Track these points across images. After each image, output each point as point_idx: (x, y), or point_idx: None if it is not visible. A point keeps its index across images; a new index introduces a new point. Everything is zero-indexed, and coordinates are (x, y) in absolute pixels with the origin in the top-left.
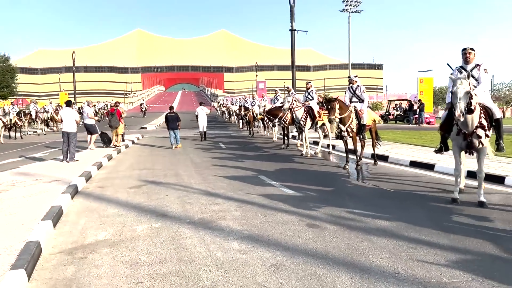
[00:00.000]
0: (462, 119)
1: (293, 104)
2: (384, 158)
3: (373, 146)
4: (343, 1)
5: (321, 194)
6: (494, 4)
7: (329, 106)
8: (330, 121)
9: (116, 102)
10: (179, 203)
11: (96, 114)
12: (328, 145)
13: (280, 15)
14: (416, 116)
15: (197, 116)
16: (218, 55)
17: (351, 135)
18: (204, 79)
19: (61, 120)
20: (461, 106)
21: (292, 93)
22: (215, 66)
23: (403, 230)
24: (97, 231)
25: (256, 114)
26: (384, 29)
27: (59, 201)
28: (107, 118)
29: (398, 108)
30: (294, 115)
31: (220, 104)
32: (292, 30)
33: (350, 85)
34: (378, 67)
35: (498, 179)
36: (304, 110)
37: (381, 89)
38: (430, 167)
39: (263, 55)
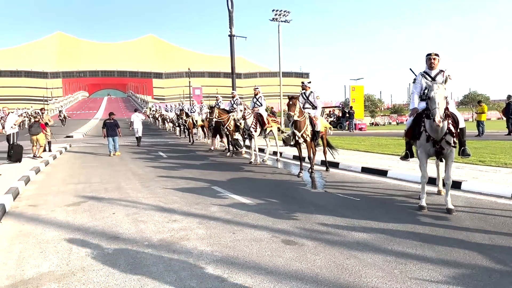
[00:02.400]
0: (441, 125)
1: (244, 111)
2: (335, 165)
3: (325, 153)
4: (272, 11)
5: (285, 204)
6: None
7: (290, 102)
8: (289, 116)
9: (41, 109)
10: (131, 221)
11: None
12: (275, 152)
13: (210, 21)
14: (348, 122)
15: (132, 122)
16: (146, 60)
17: (307, 141)
18: (132, 85)
19: None
20: (440, 111)
21: (236, 99)
22: (143, 72)
23: (384, 243)
24: (38, 261)
25: (196, 121)
26: (310, 39)
27: None
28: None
29: (332, 115)
30: (244, 123)
31: (153, 110)
32: (231, 36)
33: (303, 91)
34: (305, 75)
35: (455, 184)
36: (254, 117)
37: None
38: (382, 173)
39: (193, 61)
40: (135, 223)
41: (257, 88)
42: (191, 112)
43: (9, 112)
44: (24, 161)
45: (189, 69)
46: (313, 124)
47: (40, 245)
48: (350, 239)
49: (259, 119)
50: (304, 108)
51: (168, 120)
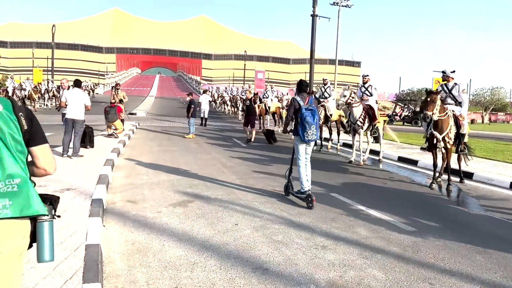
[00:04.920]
0: None
1: (351, 99)
2: (467, 175)
3: (459, 160)
4: None
5: (452, 233)
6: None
7: (428, 99)
8: (425, 117)
9: (116, 84)
10: (267, 242)
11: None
12: (379, 152)
13: (261, 3)
14: None
15: (200, 103)
16: (196, 40)
17: (449, 146)
18: (182, 65)
19: (65, 104)
20: None
21: (328, 87)
22: (193, 52)
23: None
24: None
25: (269, 107)
26: (362, 27)
27: (92, 235)
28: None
29: (406, 109)
30: (350, 113)
31: (210, 92)
32: (313, 16)
33: (444, 82)
34: (356, 64)
35: None
36: (363, 109)
37: (358, 85)
38: None
39: (242, 44)
40: (275, 246)
41: (367, 76)
42: (264, 98)
43: (69, 86)
44: (99, 140)
45: (245, 51)
46: (458, 125)
47: (169, 273)
48: None
49: (368, 111)
50: (445, 103)
51: (231, 103)
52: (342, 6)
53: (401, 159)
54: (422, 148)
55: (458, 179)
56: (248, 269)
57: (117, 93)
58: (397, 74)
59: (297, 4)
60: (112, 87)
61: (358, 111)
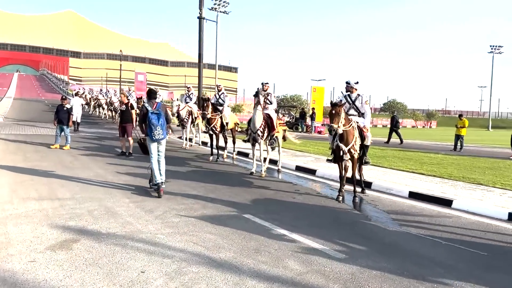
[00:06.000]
0: None
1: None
2: (366, 185)
3: (360, 169)
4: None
5: (381, 257)
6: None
7: (333, 111)
8: (331, 130)
9: None
10: None
11: None
12: (276, 162)
13: (133, 2)
14: (307, 124)
15: (71, 107)
16: (63, 37)
17: (354, 158)
18: (46, 63)
19: None
20: None
21: (222, 93)
22: (59, 49)
23: None
24: None
25: None
26: (239, 34)
27: None
28: None
29: (287, 115)
30: (251, 124)
31: (85, 95)
32: (200, 18)
33: (348, 93)
34: (233, 70)
35: None
36: (263, 119)
37: (235, 91)
38: (444, 202)
39: (114, 43)
40: None
41: (267, 83)
42: None
43: None
44: None
45: (121, 51)
46: (362, 137)
47: None
48: None
49: (268, 121)
50: (348, 115)
51: (107, 107)
52: (220, 12)
53: (298, 168)
54: (328, 160)
55: (359, 189)
56: None
57: None
58: (272, 81)
59: (174, 5)
60: None
61: (259, 120)
